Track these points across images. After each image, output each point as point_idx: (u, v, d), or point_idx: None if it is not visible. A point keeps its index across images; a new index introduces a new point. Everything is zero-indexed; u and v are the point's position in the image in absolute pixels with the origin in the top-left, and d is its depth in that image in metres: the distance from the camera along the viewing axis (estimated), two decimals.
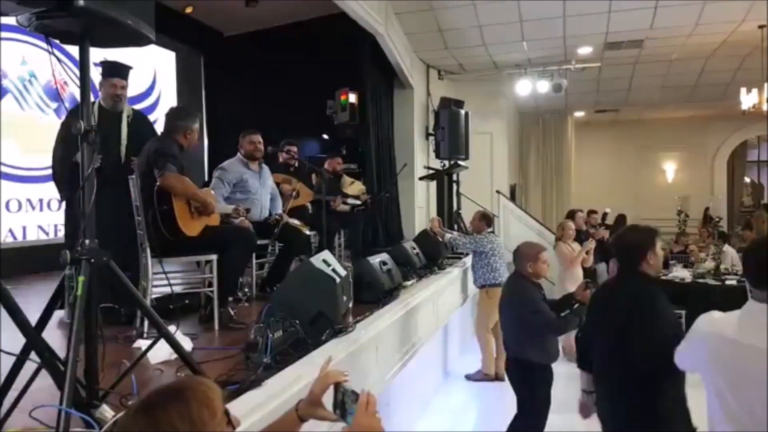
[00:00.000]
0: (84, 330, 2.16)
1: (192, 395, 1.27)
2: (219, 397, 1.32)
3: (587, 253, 7.52)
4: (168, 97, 9.31)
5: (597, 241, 8.79)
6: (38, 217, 6.88)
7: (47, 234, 6.95)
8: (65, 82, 5.78)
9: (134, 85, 8.59)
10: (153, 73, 9.08)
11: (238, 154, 5.26)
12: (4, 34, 6.44)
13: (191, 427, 1.22)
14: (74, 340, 2.01)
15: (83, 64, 2.23)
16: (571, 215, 8.56)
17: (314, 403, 1.85)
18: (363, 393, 1.74)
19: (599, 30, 8.82)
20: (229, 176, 5.06)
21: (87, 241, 2.20)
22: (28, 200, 6.77)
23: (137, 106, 8.63)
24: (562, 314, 4.25)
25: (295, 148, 6.46)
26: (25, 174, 6.74)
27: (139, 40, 2.42)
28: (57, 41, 2.26)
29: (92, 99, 2.56)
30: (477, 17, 8.33)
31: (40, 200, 6.89)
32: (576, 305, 4.20)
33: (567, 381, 6.93)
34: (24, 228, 6.72)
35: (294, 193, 6.06)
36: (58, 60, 2.21)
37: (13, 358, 2.10)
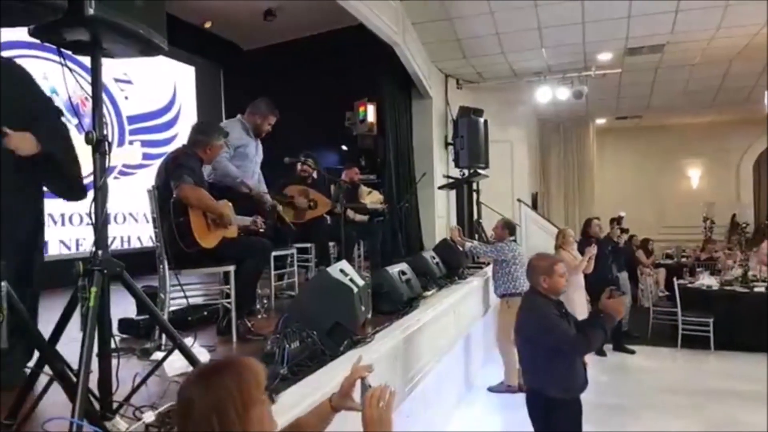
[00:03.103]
0: (98, 342, 2.15)
1: (243, 367, 1.51)
2: (263, 373, 1.55)
3: (589, 259, 7.42)
4: (188, 111, 9.38)
5: (615, 249, 8.69)
6: (60, 231, 6.93)
7: (69, 248, 6.99)
8: (86, 98, 5.84)
9: (154, 100, 8.71)
10: (173, 87, 9.15)
11: (240, 116, 5.12)
12: (26, 51, 6.54)
13: (239, 392, 1.44)
14: (86, 351, 1.99)
15: (95, 74, 2.23)
16: (588, 223, 8.46)
17: (344, 395, 2.08)
18: (376, 387, 1.96)
19: (619, 35, 8.72)
20: (232, 138, 4.75)
21: (100, 252, 2.18)
22: (50, 215, 6.82)
23: (158, 121, 8.72)
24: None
25: (311, 161, 6.37)
26: (46, 189, 6.79)
27: (150, 50, 2.40)
28: (69, 52, 2.26)
29: None
30: (495, 25, 8.29)
31: (62, 215, 6.95)
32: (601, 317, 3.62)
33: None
34: (45, 243, 6.77)
35: (311, 204, 6.04)
36: (70, 70, 2.20)
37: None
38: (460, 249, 7.08)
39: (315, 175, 6.41)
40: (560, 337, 3.55)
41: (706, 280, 9.25)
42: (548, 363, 3.63)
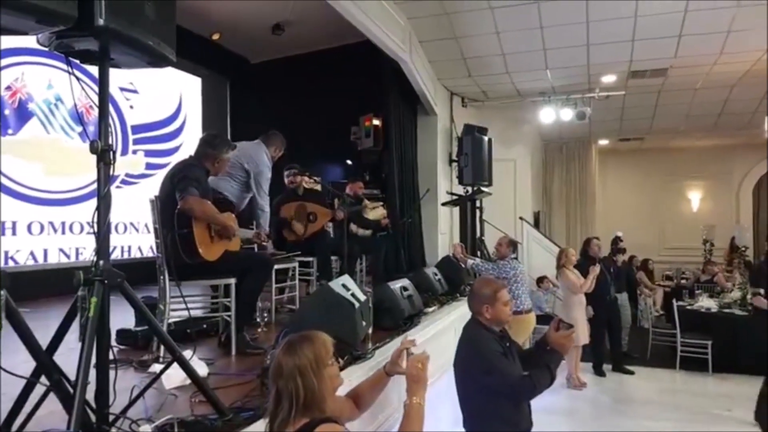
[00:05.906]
0: (96, 353, 2.12)
1: (317, 339, 2.09)
2: (331, 342, 2.13)
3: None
4: (193, 122, 9.39)
5: (615, 270, 8.69)
6: (60, 239, 6.92)
7: (68, 257, 6.97)
8: (91, 106, 5.83)
9: (160, 110, 8.73)
10: (179, 97, 9.17)
11: (265, 148, 5.22)
12: (31, 58, 6.56)
13: (314, 356, 2.02)
14: (84, 362, 1.96)
15: (102, 84, 2.22)
16: (588, 242, 8.46)
17: (394, 362, 2.86)
18: (417, 354, 2.77)
19: (623, 58, 8.75)
20: (267, 173, 5.11)
21: (101, 262, 2.16)
22: (50, 223, 6.82)
23: (163, 131, 8.74)
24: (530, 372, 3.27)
25: (294, 170, 6.32)
26: (48, 197, 6.81)
27: (160, 61, 2.40)
28: (77, 61, 2.26)
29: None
30: (501, 45, 8.32)
31: (63, 223, 6.94)
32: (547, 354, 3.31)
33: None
34: (45, 251, 6.75)
35: (310, 217, 6.01)
36: (78, 79, 2.19)
37: (24, 381, 2.07)
38: (463, 266, 7.06)
39: (305, 184, 6.39)
40: (502, 381, 3.20)
41: (705, 303, 9.22)
42: (491, 404, 3.29)
